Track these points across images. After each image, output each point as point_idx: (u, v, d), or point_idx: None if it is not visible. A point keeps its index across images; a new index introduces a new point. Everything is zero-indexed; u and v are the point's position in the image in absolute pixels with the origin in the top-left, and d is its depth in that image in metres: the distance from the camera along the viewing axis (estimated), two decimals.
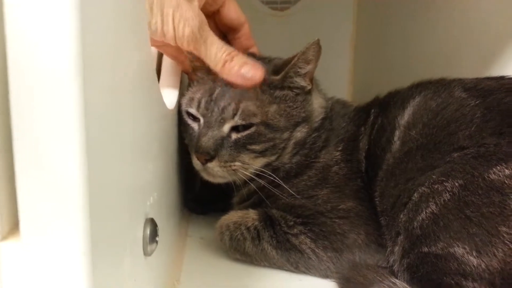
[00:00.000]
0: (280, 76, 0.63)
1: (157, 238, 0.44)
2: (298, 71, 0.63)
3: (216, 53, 0.59)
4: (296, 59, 0.62)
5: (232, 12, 0.68)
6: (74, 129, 0.25)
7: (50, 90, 0.25)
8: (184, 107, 0.66)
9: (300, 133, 0.65)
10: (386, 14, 1.16)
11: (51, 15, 0.24)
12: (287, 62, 0.63)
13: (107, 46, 0.30)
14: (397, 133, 0.62)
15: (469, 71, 0.82)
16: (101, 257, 0.29)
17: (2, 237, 0.26)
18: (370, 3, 1.25)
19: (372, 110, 0.70)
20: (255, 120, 0.61)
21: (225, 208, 0.71)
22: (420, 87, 0.66)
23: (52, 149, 0.25)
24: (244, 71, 0.60)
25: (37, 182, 0.25)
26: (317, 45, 0.62)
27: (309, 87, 0.66)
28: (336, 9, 1.30)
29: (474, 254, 0.47)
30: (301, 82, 0.65)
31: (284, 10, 1.30)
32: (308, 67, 0.63)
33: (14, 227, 0.27)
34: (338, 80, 1.33)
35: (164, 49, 0.68)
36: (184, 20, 0.55)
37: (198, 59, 0.63)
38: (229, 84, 0.62)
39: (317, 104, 0.69)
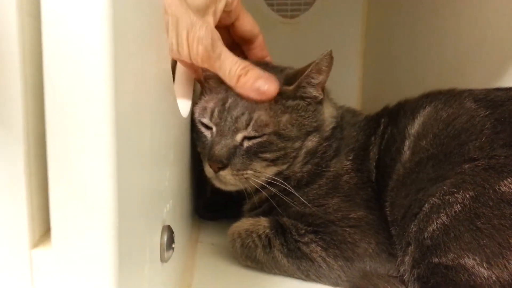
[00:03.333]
0: (293, 87, 0.64)
1: (173, 245, 0.45)
2: (311, 82, 0.64)
3: (230, 68, 0.60)
4: (309, 70, 0.63)
5: (246, 24, 0.70)
6: (105, 140, 0.26)
7: (82, 102, 0.26)
8: (197, 116, 0.67)
9: (311, 142, 0.66)
10: (395, 22, 1.17)
11: (85, 30, 0.25)
12: (300, 72, 0.64)
13: (134, 59, 0.31)
14: (407, 143, 0.63)
15: (478, 80, 0.83)
16: (126, 264, 0.30)
17: (33, 245, 0.28)
18: (379, 11, 1.26)
19: (382, 120, 0.70)
20: (268, 130, 0.62)
21: (235, 214, 0.72)
22: (430, 97, 0.66)
23: (83, 158, 0.26)
24: (258, 84, 0.60)
25: (68, 190, 0.26)
26: (330, 56, 0.63)
27: (320, 97, 0.67)
28: (345, 16, 1.31)
29: (484, 265, 0.48)
30: (313, 92, 0.65)
31: (294, 17, 1.31)
32: (321, 78, 0.64)
33: (44, 234, 0.28)
34: (347, 88, 1.34)
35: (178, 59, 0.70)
36: (197, 39, 0.57)
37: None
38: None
39: (328, 113, 0.70)
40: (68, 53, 0.25)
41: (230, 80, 0.61)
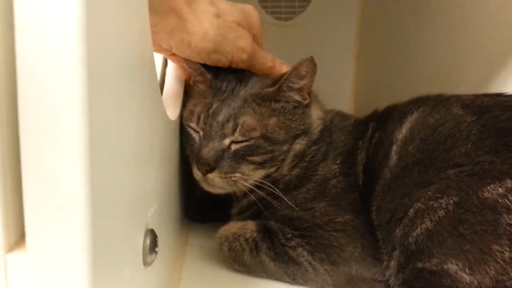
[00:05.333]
0: (273, 90, 0.64)
1: (156, 249, 0.45)
2: (291, 86, 0.65)
3: (263, 63, 0.69)
4: (287, 74, 0.63)
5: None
6: (77, 146, 0.26)
7: (55, 106, 0.26)
8: (184, 120, 0.68)
9: (299, 145, 0.67)
10: (389, 25, 1.18)
11: (59, 30, 0.25)
12: (281, 76, 0.65)
13: (111, 61, 0.32)
14: (394, 147, 0.63)
15: (471, 83, 0.83)
16: (102, 267, 0.30)
17: (9, 249, 0.28)
18: (373, 13, 1.27)
19: (371, 124, 0.71)
20: (255, 134, 0.63)
21: (225, 217, 0.72)
22: (418, 102, 0.67)
23: (56, 164, 0.26)
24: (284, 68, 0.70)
25: (42, 195, 0.27)
26: (310, 62, 0.63)
27: (305, 102, 0.67)
28: (339, 19, 1.32)
29: (467, 271, 0.48)
30: (296, 96, 0.66)
31: (288, 20, 1.31)
32: (302, 82, 0.65)
33: (20, 239, 0.28)
34: (341, 90, 1.34)
35: (170, 57, 0.70)
36: (242, 49, 0.65)
37: (200, 74, 0.66)
38: (226, 100, 0.64)
39: (315, 116, 0.70)
40: (42, 53, 0.25)
41: (265, 72, 0.69)
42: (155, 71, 0.48)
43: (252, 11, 0.68)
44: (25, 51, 0.25)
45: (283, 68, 0.70)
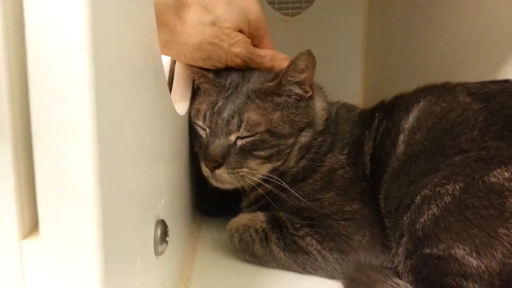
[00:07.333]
0: (273, 84, 0.65)
1: (167, 238, 0.46)
2: (291, 80, 0.65)
3: (264, 61, 0.70)
4: (286, 68, 0.64)
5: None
6: (87, 135, 0.27)
7: (65, 101, 0.27)
8: (192, 118, 0.69)
9: (304, 137, 0.67)
10: (397, 18, 1.17)
11: (68, 28, 0.27)
12: (281, 70, 0.65)
13: (119, 54, 0.33)
14: (401, 136, 0.63)
15: (477, 73, 0.83)
16: (114, 255, 0.31)
17: (23, 236, 0.29)
18: (380, 7, 1.26)
19: (377, 114, 0.71)
20: (260, 129, 0.64)
21: (236, 210, 0.73)
22: (424, 91, 0.67)
23: (68, 152, 0.28)
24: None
25: (55, 184, 0.28)
26: (308, 55, 0.63)
27: (308, 95, 0.68)
28: (347, 13, 1.31)
29: (474, 255, 0.49)
30: (296, 90, 0.66)
31: (295, 15, 1.31)
32: (302, 76, 0.65)
33: (34, 226, 0.30)
34: (350, 84, 1.34)
35: None
36: (236, 55, 0.67)
37: (203, 75, 0.68)
38: (230, 97, 0.65)
39: (319, 107, 0.71)
40: (51, 52, 0.27)
41: (268, 68, 0.70)
42: (162, 67, 0.49)
43: (252, 5, 0.68)
44: (35, 49, 0.27)
45: (285, 64, 0.70)
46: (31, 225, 0.30)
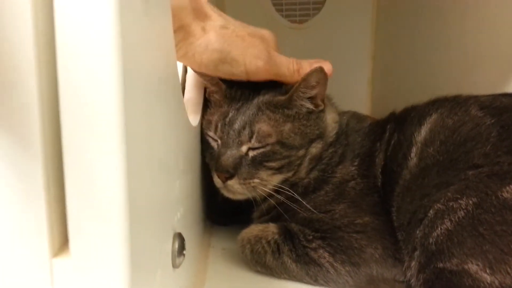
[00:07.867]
0: (285, 98, 0.66)
1: (184, 251, 0.47)
2: (302, 96, 0.66)
3: (287, 68, 0.66)
4: (297, 85, 0.64)
5: None
6: (116, 154, 0.28)
7: (95, 116, 0.27)
8: (203, 129, 0.70)
9: (315, 149, 0.68)
10: (405, 25, 1.18)
11: (95, 40, 0.27)
12: (292, 86, 0.66)
13: (143, 70, 0.33)
14: (414, 149, 0.64)
15: (486, 81, 0.83)
16: (138, 270, 0.32)
17: (54, 254, 0.30)
18: (388, 14, 1.27)
19: (388, 126, 0.72)
20: (271, 140, 0.64)
21: (246, 220, 0.73)
22: (436, 104, 0.67)
23: (98, 171, 0.28)
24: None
25: (83, 202, 0.28)
26: (320, 72, 0.63)
27: (319, 108, 0.68)
28: (354, 21, 1.32)
29: (487, 271, 0.49)
30: (307, 104, 0.67)
31: (303, 22, 1.32)
32: (313, 92, 0.66)
33: (64, 244, 0.30)
34: (357, 92, 1.35)
35: None
36: (255, 56, 0.63)
37: (215, 84, 0.68)
38: (241, 108, 0.66)
39: (330, 119, 0.71)
40: (81, 66, 0.27)
41: (291, 78, 0.66)
42: (179, 80, 0.50)
43: (268, 35, 0.67)
44: (65, 64, 0.27)
45: (306, 70, 0.66)
46: (60, 244, 0.30)
